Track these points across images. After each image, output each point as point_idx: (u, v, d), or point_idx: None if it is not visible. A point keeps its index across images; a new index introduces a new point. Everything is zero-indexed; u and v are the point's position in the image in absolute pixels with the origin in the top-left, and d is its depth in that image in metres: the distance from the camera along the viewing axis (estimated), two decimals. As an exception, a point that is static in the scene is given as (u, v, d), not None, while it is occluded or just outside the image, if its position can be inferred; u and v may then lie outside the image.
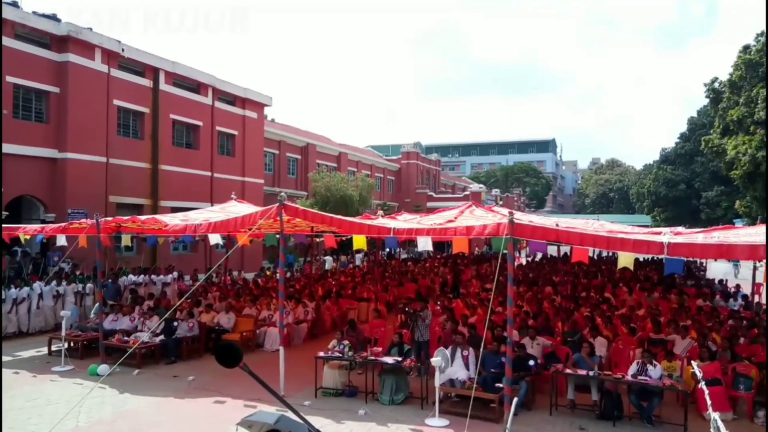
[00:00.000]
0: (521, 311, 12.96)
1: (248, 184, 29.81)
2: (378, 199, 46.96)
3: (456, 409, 8.70)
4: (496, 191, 70.78)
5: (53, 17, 20.69)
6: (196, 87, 26.91)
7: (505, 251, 8.13)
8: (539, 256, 35.42)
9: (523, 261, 33.09)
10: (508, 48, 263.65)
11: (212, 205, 21.33)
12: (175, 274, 20.12)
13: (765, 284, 15.64)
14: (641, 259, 28.58)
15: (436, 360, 8.50)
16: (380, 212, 16.31)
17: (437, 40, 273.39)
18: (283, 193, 10.55)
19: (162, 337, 12.43)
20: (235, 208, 14.38)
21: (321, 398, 9.72)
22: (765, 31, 32.63)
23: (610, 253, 29.56)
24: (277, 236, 10.75)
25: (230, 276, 21.61)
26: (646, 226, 28.66)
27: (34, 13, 20.15)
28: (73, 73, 20.65)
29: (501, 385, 8.48)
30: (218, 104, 28.17)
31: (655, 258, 26.43)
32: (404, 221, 12.28)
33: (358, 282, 20.71)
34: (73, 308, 15.25)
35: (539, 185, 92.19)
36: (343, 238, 13.97)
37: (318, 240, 19.26)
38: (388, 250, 33.76)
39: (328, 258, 31.68)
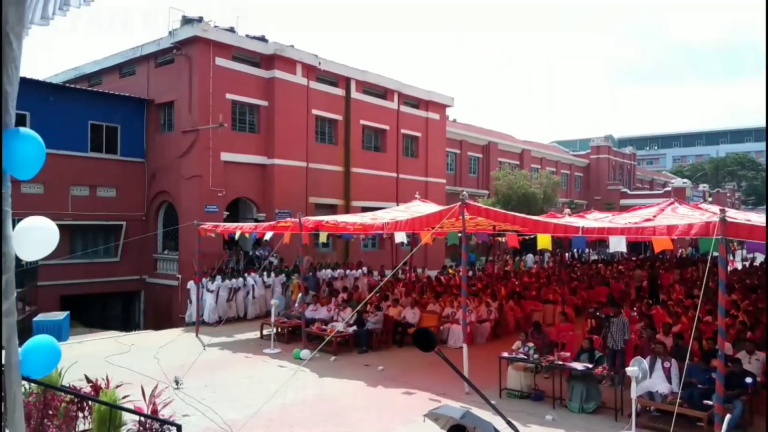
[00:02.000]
0: (736, 322, 11.40)
1: (431, 184, 30.52)
2: (564, 197, 44.85)
3: (656, 425, 7.99)
4: (703, 186, 63.02)
5: (262, 38, 23.33)
6: (384, 93, 28.30)
7: (715, 254, 7.23)
8: (759, 259, 30.84)
9: (738, 265, 29.11)
10: (715, 25, 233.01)
11: (398, 205, 22.27)
12: (365, 269, 21.41)
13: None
14: None
15: (632, 370, 7.87)
16: (567, 210, 15.58)
17: (631, 22, 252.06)
18: (464, 192, 10.63)
19: (354, 327, 13.32)
20: (419, 208, 14.85)
21: (505, 399, 9.60)
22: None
23: None
24: (459, 235, 10.86)
25: (415, 273, 22.36)
26: None
27: (247, 36, 22.92)
28: (279, 88, 23.05)
29: (710, 403, 7.57)
30: (403, 108, 29.30)
31: None
32: (594, 220, 11.58)
33: (543, 283, 20.01)
34: (280, 297, 17.07)
35: (758, 179, 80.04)
36: (527, 238, 13.61)
37: (500, 239, 19.02)
38: (574, 251, 32.02)
39: (530, 256, 30.86)
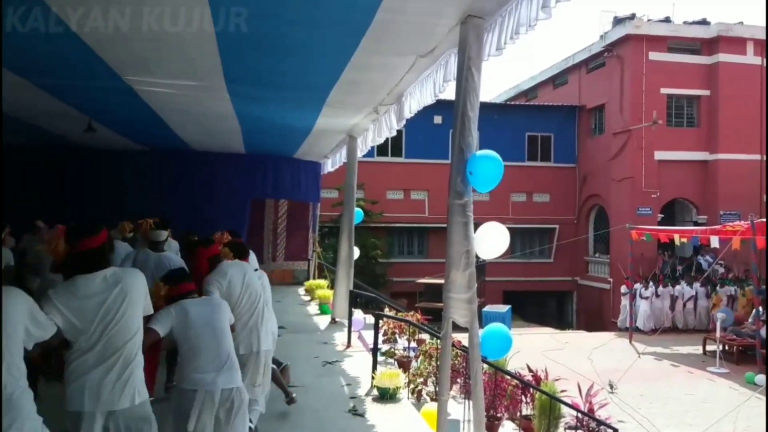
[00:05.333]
0: None
1: None
2: None
3: None
4: None
5: (703, 22, 21.04)
6: None
7: None
8: None
9: None
10: None
11: None
12: None
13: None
14: None
15: None
16: None
17: None
18: None
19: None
20: None
21: None
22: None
23: None
24: None
25: None
26: None
27: (684, 23, 21.04)
28: (724, 73, 20.30)
29: None
30: None
31: None
32: None
33: None
34: (727, 310, 15.02)
35: None
36: None
37: None
38: None
39: None
